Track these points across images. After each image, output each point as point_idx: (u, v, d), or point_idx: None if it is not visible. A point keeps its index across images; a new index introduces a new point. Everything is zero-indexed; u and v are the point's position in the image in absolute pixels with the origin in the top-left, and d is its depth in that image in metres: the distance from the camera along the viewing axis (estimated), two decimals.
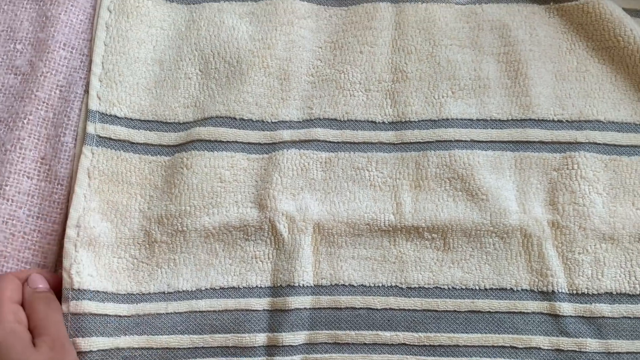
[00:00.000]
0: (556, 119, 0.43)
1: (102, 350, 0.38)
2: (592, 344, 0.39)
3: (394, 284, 0.40)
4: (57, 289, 0.38)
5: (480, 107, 0.44)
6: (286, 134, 0.43)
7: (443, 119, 0.43)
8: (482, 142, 0.43)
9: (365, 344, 0.39)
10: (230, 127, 0.43)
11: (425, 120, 0.44)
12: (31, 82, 0.43)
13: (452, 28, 0.46)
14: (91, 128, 0.42)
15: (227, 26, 0.46)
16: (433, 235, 0.41)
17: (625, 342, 0.39)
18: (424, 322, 0.40)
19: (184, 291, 0.40)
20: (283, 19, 0.46)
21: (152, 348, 0.38)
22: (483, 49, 0.45)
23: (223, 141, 0.42)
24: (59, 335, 0.35)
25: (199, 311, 0.39)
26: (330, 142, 0.43)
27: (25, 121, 0.42)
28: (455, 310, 0.40)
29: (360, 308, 0.40)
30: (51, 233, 0.40)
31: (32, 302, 0.36)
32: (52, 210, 0.41)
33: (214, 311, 0.39)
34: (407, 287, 0.40)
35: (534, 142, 0.43)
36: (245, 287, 0.40)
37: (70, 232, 0.39)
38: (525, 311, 0.40)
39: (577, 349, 0.39)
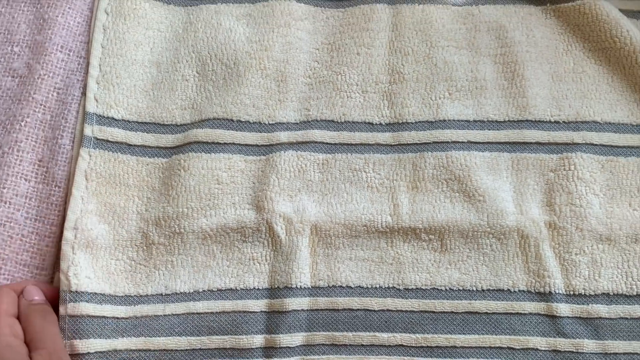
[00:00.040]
0: (553, 120, 0.43)
1: (100, 352, 0.38)
2: (589, 345, 0.39)
3: (391, 285, 0.40)
4: (54, 301, 0.38)
5: (477, 109, 0.44)
6: (283, 136, 0.43)
7: (440, 120, 0.43)
8: (479, 143, 0.43)
9: (362, 345, 0.39)
10: (228, 129, 0.43)
11: (422, 122, 0.44)
12: (28, 85, 0.43)
13: (449, 29, 0.46)
14: (88, 130, 0.42)
15: (224, 28, 0.46)
16: (430, 236, 0.41)
17: (622, 342, 0.39)
18: (422, 323, 0.40)
19: (181, 293, 0.40)
20: (280, 21, 0.46)
21: (149, 350, 0.38)
22: (480, 50, 0.46)
23: (220, 143, 0.42)
24: (55, 348, 0.34)
25: (197, 313, 0.39)
26: (327, 143, 0.43)
27: (22, 124, 0.42)
28: (452, 312, 0.40)
29: (358, 309, 0.40)
30: (49, 235, 0.40)
31: (28, 315, 0.36)
32: (49, 213, 0.41)
33: (212, 313, 0.39)
34: (405, 288, 0.40)
35: (531, 143, 0.43)
36: (243, 289, 0.40)
37: (68, 234, 0.39)
38: (523, 312, 0.40)
39: (575, 350, 0.39)
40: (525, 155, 0.43)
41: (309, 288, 0.40)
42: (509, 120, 0.44)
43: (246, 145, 0.43)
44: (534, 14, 0.47)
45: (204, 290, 0.40)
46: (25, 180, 0.41)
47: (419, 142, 0.43)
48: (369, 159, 0.43)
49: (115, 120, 0.43)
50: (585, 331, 0.39)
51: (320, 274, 0.41)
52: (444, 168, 0.42)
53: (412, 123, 0.44)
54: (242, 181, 0.42)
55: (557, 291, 0.40)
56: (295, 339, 0.39)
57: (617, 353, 0.39)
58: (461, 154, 0.42)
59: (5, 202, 0.40)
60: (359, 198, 0.42)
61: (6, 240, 0.39)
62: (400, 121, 0.44)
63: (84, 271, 0.39)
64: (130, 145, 0.43)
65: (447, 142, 0.43)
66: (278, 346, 0.39)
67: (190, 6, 0.47)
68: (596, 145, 0.43)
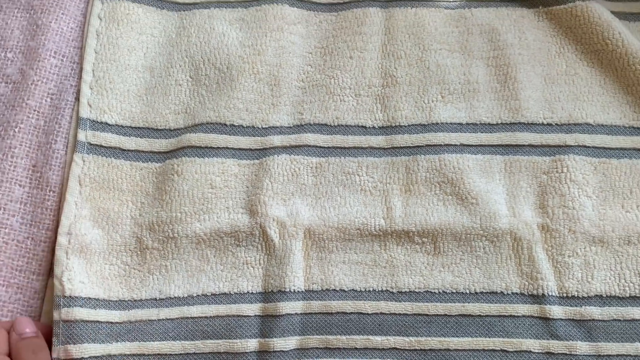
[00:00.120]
0: (545, 122, 0.43)
1: (94, 357, 0.38)
2: (583, 347, 0.39)
3: (384, 289, 0.40)
4: (46, 336, 0.37)
5: (470, 111, 0.44)
6: (277, 140, 0.43)
7: (433, 123, 0.44)
8: (471, 146, 0.43)
9: (356, 348, 0.39)
10: (221, 133, 0.43)
11: (415, 125, 0.44)
12: (22, 91, 0.43)
13: (442, 32, 0.46)
14: (82, 135, 0.42)
15: (217, 32, 0.46)
16: (423, 239, 0.41)
17: (615, 344, 0.39)
18: (415, 326, 0.40)
19: (175, 297, 0.40)
20: (273, 25, 0.46)
21: (143, 354, 0.38)
22: (472, 53, 0.46)
23: (214, 147, 0.43)
24: None
25: (191, 317, 0.39)
26: (320, 147, 0.43)
27: (16, 129, 0.42)
28: (445, 314, 0.40)
29: (351, 313, 0.40)
30: (45, 240, 0.41)
31: (19, 351, 0.35)
32: (45, 218, 0.41)
33: (206, 317, 0.39)
34: (398, 292, 0.40)
35: (524, 145, 0.43)
36: (237, 293, 0.40)
37: (62, 239, 0.39)
38: (516, 314, 0.40)
39: (568, 352, 0.39)
40: (518, 158, 0.43)
41: (302, 292, 0.40)
42: (501, 123, 0.44)
43: (239, 149, 0.43)
44: (527, 17, 0.47)
45: (198, 295, 0.40)
46: (20, 185, 0.41)
47: (412, 145, 0.43)
48: (362, 162, 0.43)
49: (109, 125, 0.43)
50: (578, 333, 0.39)
51: (314, 277, 0.41)
52: (437, 171, 0.42)
53: (405, 126, 0.44)
54: (235, 185, 0.42)
55: (550, 293, 0.40)
56: (289, 342, 0.39)
57: (610, 355, 0.39)
58: (454, 156, 0.42)
59: (0, 208, 0.40)
60: (352, 201, 0.42)
61: (2, 246, 0.40)
62: (393, 124, 0.44)
63: (77, 276, 0.39)
64: (124, 150, 0.43)
65: (440, 145, 0.43)
66: (272, 350, 0.39)
67: (184, 11, 0.47)
68: (589, 147, 0.43)
